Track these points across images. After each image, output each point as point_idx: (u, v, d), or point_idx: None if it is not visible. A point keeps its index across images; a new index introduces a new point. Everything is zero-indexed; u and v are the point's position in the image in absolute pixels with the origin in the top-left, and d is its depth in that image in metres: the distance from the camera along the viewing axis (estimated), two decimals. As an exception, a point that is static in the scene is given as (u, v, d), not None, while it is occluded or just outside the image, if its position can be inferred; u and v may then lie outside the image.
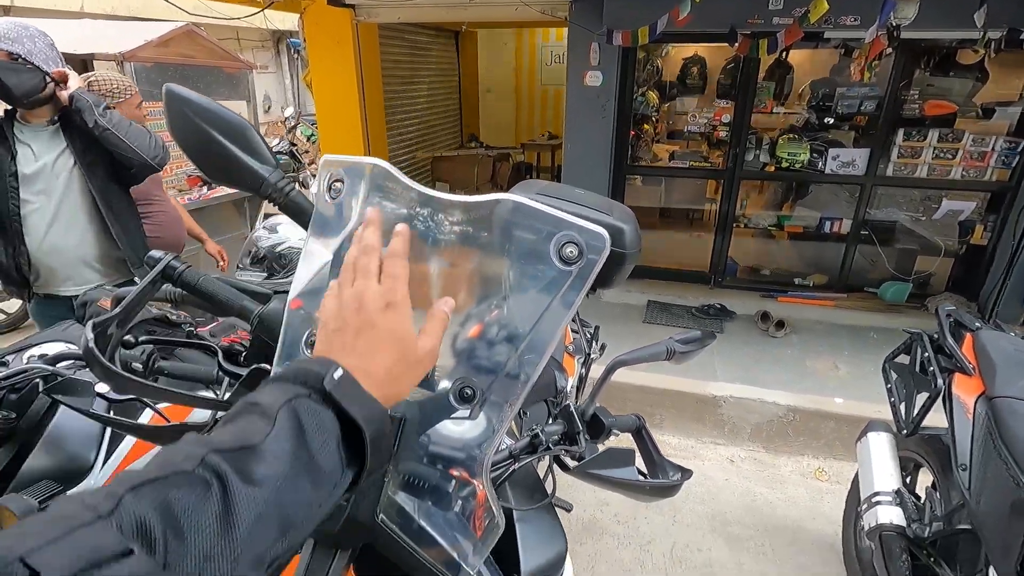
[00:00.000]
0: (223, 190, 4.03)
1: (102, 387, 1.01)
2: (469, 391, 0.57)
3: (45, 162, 1.90)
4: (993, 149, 3.72)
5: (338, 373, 0.46)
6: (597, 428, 0.98)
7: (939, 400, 1.54)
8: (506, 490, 0.89)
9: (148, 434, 0.98)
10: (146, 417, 1.21)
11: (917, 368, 1.62)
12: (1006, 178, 3.77)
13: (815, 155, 4.13)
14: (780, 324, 3.90)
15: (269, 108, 11.88)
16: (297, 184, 7.33)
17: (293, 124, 9.09)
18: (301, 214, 0.71)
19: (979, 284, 4.04)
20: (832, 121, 4.15)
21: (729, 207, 4.34)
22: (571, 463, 0.93)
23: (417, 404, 0.58)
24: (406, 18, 4.91)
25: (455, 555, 0.60)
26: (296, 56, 11.89)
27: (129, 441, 1.17)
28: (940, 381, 1.50)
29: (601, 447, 1.05)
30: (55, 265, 1.99)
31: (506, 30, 7.89)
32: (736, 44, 3.38)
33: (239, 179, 0.68)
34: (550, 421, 1.01)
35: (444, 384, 0.58)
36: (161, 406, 1.33)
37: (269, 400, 0.44)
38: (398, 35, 5.78)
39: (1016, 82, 3.80)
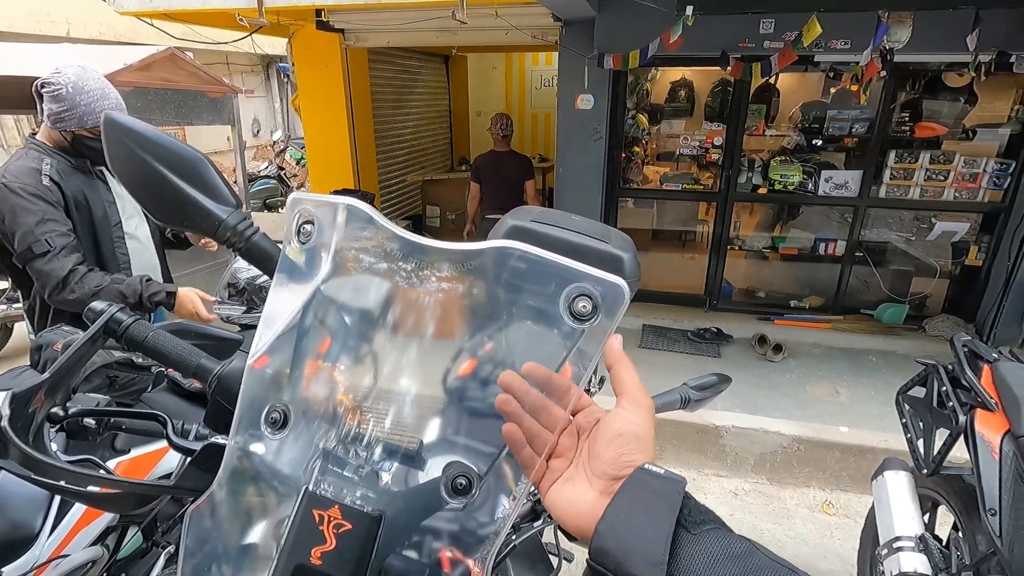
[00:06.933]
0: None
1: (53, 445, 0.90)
2: (464, 481, 0.46)
3: (126, 202, 1.96)
4: (984, 170, 3.71)
5: None
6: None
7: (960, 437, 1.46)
8: (507, 568, 0.78)
9: (98, 501, 0.86)
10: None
11: (934, 402, 1.54)
12: (999, 199, 3.76)
13: (807, 177, 4.11)
14: (778, 348, 3.83)
15: (258, 132, 11.86)
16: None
17: (282, 148, 9.05)
18: (266, 260, 0.61)
19: (975, 305, 4.01)
20: (822, 143, 4.15)
21: (723, 229, 4.30)
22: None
23: (401, 497, 0.48)
24: (396, 42, 4.90)
25: None
26: (286, 80, 11.91)
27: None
28: (961, 418, 1.41)
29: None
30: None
31: (496, 54, 7.92)
32: (728, 68, 3.36)
33: (192, 221, 0.58)
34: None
35: (434, 471, 0.48)
36: (124, 459, 1.21)
37: None
38: (388, 59, 5.76)
39: (1004, 104, 3.82)
